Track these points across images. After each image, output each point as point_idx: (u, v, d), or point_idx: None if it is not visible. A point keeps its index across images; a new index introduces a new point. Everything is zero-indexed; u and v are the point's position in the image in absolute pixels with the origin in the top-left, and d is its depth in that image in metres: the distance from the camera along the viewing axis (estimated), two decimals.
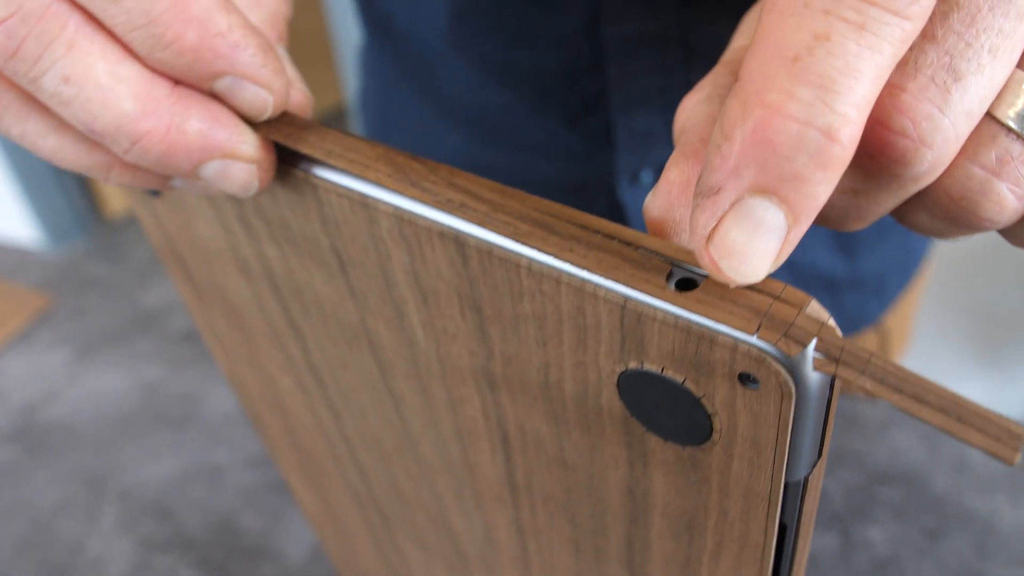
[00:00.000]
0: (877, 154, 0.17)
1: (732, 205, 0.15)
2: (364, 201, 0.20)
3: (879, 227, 0.48)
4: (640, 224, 0.43)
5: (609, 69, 0.39)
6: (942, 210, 0.18)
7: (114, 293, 1.18)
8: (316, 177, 0.21)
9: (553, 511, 0.25)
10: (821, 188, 0.15)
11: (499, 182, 0.19)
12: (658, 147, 0.41)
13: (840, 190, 0.18)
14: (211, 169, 0.20)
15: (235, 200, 0.24)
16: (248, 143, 0.20)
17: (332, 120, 1.81)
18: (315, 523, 0.43)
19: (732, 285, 0.16)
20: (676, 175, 0.18)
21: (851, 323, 0.52)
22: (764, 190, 0.15)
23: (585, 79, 0.40)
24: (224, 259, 0.28)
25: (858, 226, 0.19)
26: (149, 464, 0.69)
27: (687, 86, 0.39)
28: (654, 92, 0.39)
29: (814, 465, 0.18)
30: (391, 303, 0.23)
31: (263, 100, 0.20)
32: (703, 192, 0.16)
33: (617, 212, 0.44)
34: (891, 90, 0.16)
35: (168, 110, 0.19)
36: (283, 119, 0.21)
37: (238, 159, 0.20)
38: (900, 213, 0.19)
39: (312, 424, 0.35)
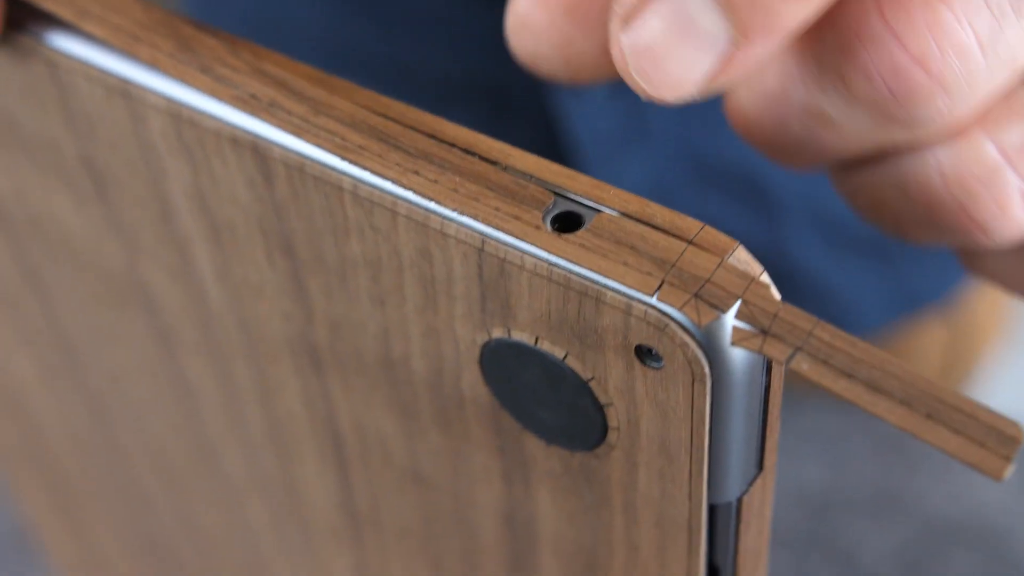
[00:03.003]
0: (873, 75, 0.19)
1: None
2: (125, 89, 0.21)
3: None
4: (586, 148, 0.44)
5: None
6: (922, 193, 0.20)
7: None
8: (56, 50, 0.22)
9: (410, 550, 0.27)
10: (787, 8, 0.17)
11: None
12: None
13: (807, 110, 0.20)
14: None
15: None
16: None
17: None
18: None
19: (644, 97, 0.18)
20: None
21: (904, 298, 0.54)
22: None
23: None
24: None
25: (798, 166, 0.21)
26: None
27: None
28: None
29: (751, 482, 0.20)
30: (171, 242, 0.24)
31: None
32: None
33: (545, 125, 0.45)
34: None
35: None
36: None
37: None
38: (854, 182, 0.21)
39: (64, 429, 0.36)
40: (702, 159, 0.44)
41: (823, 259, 0.49)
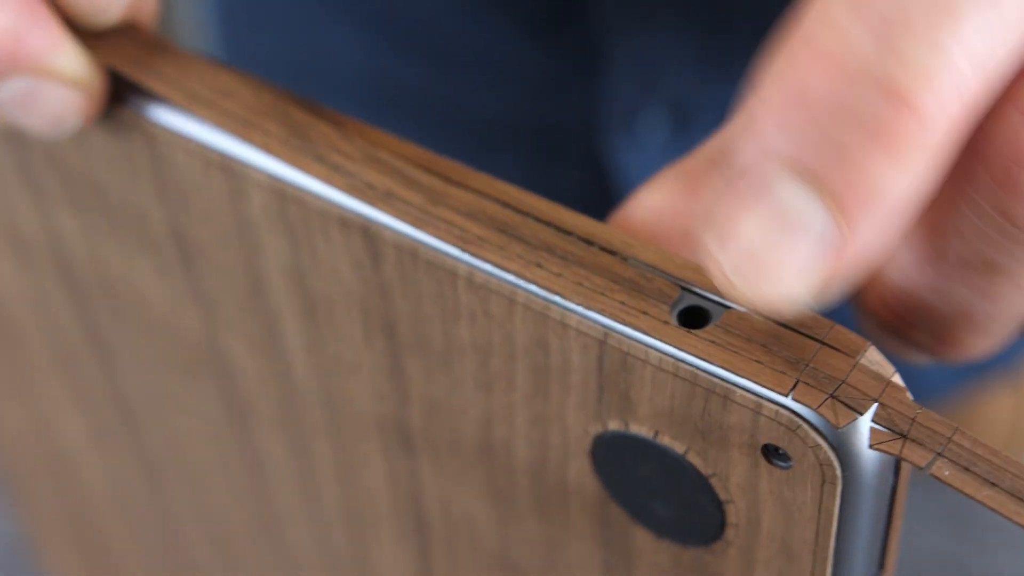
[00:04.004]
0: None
1: (755, 191, 0.16)
2: (227, 165, 0.21)
3: None
4: (633, 188, 0.44)
5: None
6: None
7: None
8: (155, 124, 0.22)
9: None
10: (888, 178, 0.16)
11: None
12: (670, 73, 0.42)
13: (971, 263, 0.19)
14: (11, 89, 0.21)
15: (16, 143, 0.25)
16: (72, 58, 0.21)
17: None
18: None
19: (752, 309, 0.18)
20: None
21: (969, 366, 0.54)
22: (799, 170, 0.16)
23: None
24: None
25: (980, 344, 0.20)
26: None
27: None
28: None
29: None
30: (258, 315, 0.24)
31: None
32: (723, 174, 0.17)
33: (596, 171, 0.45)
34: None
35: None
36: (124, 33, 0.22)
37: (55, 79, 0.21)
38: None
39: (112, 494, 0.35)
40: None
41: None
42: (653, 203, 0.21)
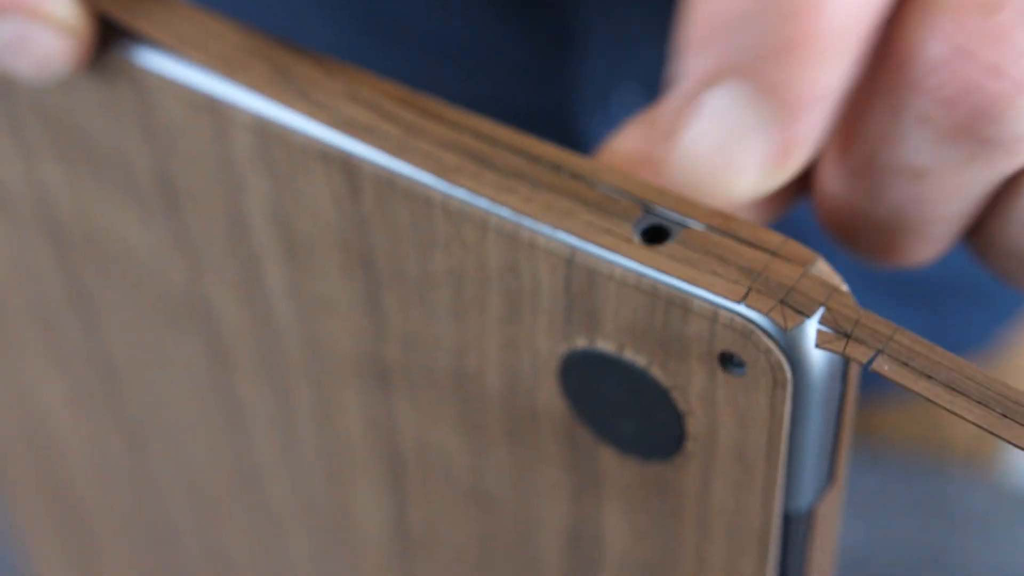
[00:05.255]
0: (950, 100, 0.19)
1: (695, 105, 0.19)
2: (213, 106, 0.23)
3: None
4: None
5: None
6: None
7: None
8: (144, 68, 0.23)
9: (461, 573, 0.28)
10: (811, 71, 0.18)
11: None
12: (644, 50, 0.43)
13: (896, 169, 0.21)
14: (2, 33, 0.22)
15: (1, 92, 0.26)
16: (64, 2, 0.22)
17: None
18: None
19: (707, 201, 0.20)
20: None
21: (946, 345, 0.55)
22: (734, 72, 0.19)
23: None
24: None
25: (922, 249, 0.22)
26: None
27: None
28: None
29: (823, 492, 0.21)
30: (240, 258, 0.25)
31: None
32: (672, 103, 0.20)
33: (573, 148, 0.46)
34: (983, 6, 0.19)
35: None
36: None
37: (47, 23, 0.22)
38: (990, 245, 0.22)
39: (90, 459, 0.36)
40: None
41: (864, 304, 0.49)
42: (621, 149, 0.22)
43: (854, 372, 0.20)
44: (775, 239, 0.20)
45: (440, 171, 0.21)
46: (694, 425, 0.21)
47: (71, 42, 0.23)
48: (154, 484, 0.35)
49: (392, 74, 0.47)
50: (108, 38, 0.24)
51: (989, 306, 0.55)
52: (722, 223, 0.20)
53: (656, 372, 0.20)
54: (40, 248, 0.30)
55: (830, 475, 0.21)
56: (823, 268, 0.19)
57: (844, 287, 0.19)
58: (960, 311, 0.54)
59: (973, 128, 0.19)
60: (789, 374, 0.19)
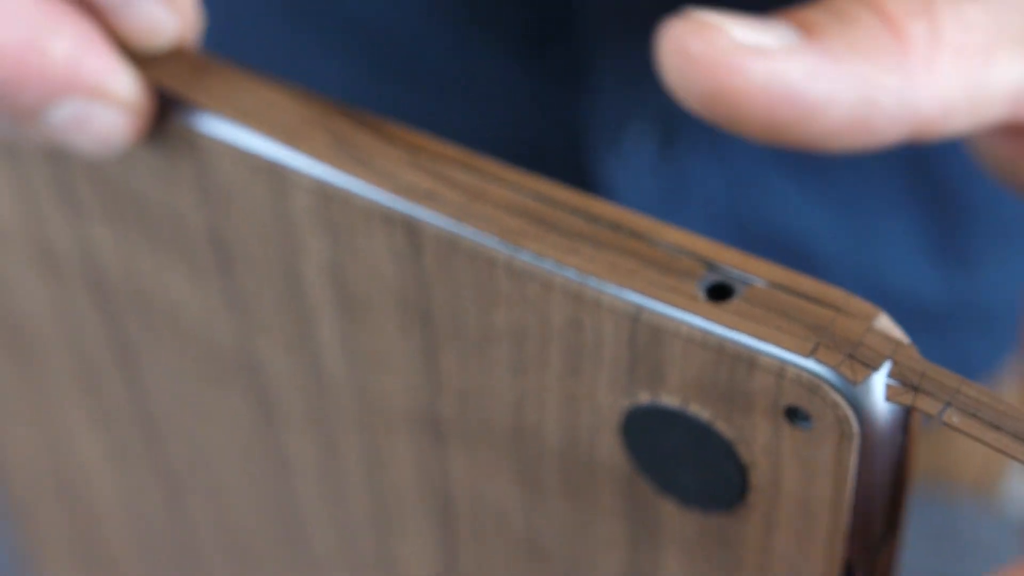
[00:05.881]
0: None
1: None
2: (272, 169, 0.23)
3: (1002, 227, 0.52)
4: (626, 205, 0.45)
5: None
6: None
7: None
8: (202, 134, 0.24)
9: None
10: None
11: None
12: (656, 88, 0.43)
13: None
14: (66, 111, 0.23)
15: (54, 156, 0.27)
16: (125, 80, 0.23)
17: None
18: None
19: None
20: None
21: (952, 368, 0.55)
22: None
23: None
24: (10, 244, 0.30)
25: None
26: None
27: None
28: (652, 9, 0.42)
29: (883, 541, 0.22)
30: (294, 316, 0.26)
31: (162, 22, 0.23)
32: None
33: (583, 188, 0.46)
34: None
35: (31, 19, 0.21)
36: (171, 54, 0.24)
37: (107, 101, 0.23)
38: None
39: (127, 515, 0.36)
40: (745, 225, 0.46)
41: None
42: None
43: (916, 423, 0.20)
44: (838, 295, 0.20)
45: (503, 234, 0.21)
46: (757, 477, 0.21)
47: (132, 118, 0.23)
48: (191, 538, 0.35)
49: (404, 115, 0.48)
50: (167, 109, 0.24)
51: (995, 332, 0.56)
52: (786, 279, 0.20)
53: (720, 426, 0.21)
54: (85, 306, 0.30)
55: (891, 524, 0.22)
56: (886, 323, 0.20)
57: (907, 340, 0.20)
58: (965, 336, 0.55)
59: None
60: (856, 427, 0.19)
